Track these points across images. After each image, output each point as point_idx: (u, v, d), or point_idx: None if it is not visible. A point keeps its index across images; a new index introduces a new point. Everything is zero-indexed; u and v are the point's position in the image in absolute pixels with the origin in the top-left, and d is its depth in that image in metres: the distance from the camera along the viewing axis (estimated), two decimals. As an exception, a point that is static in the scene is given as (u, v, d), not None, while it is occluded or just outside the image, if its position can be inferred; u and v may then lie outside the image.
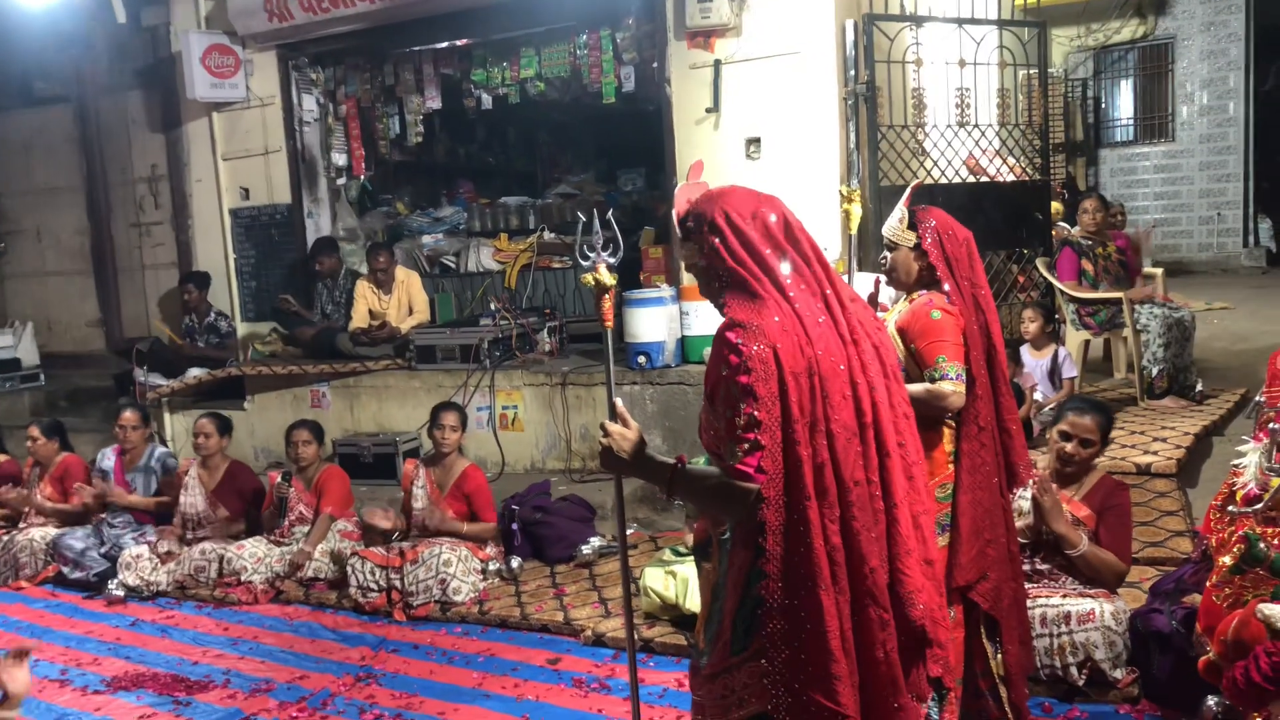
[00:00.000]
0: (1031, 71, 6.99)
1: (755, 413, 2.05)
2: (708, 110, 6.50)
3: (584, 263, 2.58)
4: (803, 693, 2.08)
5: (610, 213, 2.68)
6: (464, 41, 7.72)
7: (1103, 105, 13.92)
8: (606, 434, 2.25)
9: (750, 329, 2.09)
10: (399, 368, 7.25)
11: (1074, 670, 3.56)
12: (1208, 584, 3.12)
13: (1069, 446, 3.74)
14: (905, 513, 2.15)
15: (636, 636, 4.44)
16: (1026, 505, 3.66)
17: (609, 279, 2.53)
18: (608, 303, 2.54)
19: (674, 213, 2.29)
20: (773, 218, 2.19)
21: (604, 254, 2.56)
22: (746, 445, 2.07)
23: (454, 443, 5.43)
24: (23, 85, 9.56)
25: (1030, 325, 5.94)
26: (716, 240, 2.18)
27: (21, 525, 6.29)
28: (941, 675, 2.26)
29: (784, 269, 2.16)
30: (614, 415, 2.29)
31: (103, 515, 6.09)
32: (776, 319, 2.09)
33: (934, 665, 2.22)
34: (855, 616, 2.10)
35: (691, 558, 4.61)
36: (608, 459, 2.27)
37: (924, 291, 3.16)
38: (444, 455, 5.44)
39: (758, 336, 2.07)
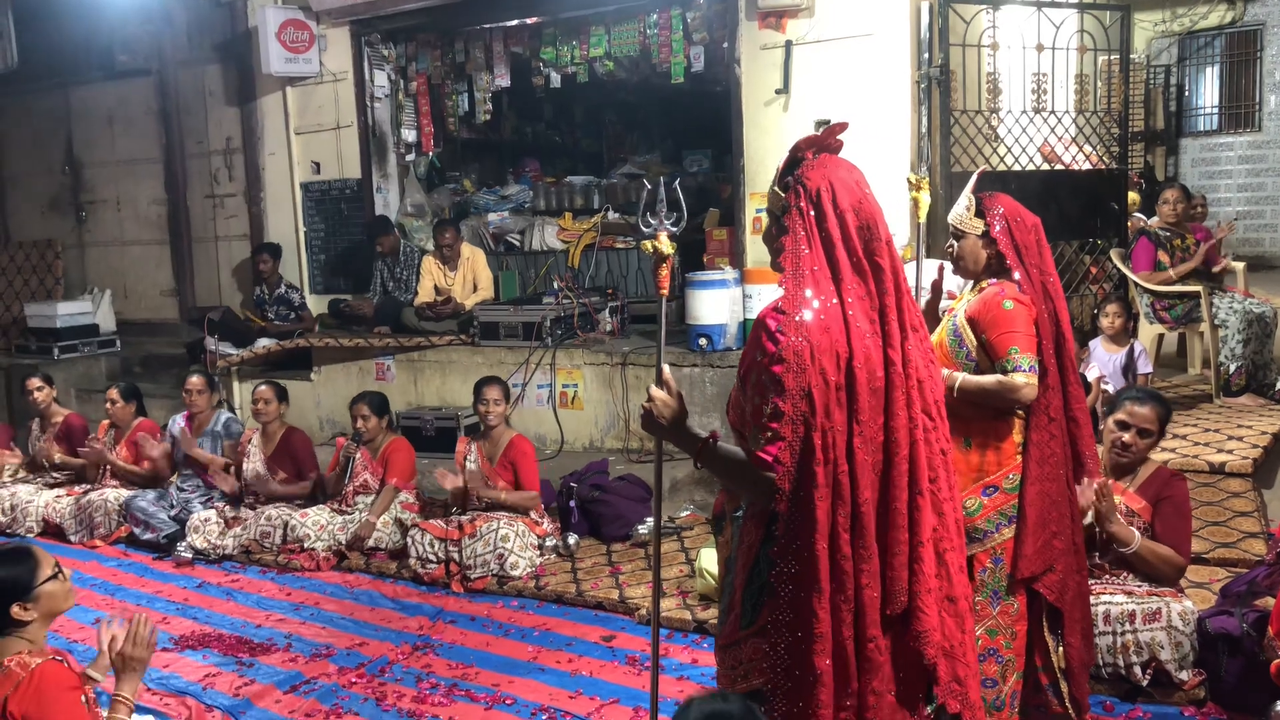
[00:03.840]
0: (1112, 57, 6.80)
1: (781, 404, 2.05)
2: (777, 91, 6.44)
3: (645, 230, 2.55)
4: (798, 683, 2.10)
5: (677, 181, 2.64)
6: (534, 19, 7.75)
7: (1186, 93, 13.49)
8: (651, 398, 2.28)
9: (792, 319, 2.07)
10: (462, 343, 7.33)
11: (1138, 669, 3.48)
12: (1282, 587, 3.05)
13: (1127, 436, 3.63)
14: (930, 551, 2.14)
15: (690, 617, 4.46)
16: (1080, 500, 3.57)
17: (668, 247, 2.50)
18: (665, 271, 2.52)
19: (786, 155, 2.25)
20: (864, 222, 2.14)
21: (666, 222, 2.53)
22: (769, 434, 2.08)
23: (498, 415, 5.47)
24: (106, 58, 9.77)
25: (1115, 320, 5.77)
26: (803, 206, 2.15)
27: (95, 485, 6.50)
28: (960, 711, 2.22)
29: (849, 275, 2.11)
30: (660, 381, 2.31)
31: (173, 480, 6.27)
32: (823, 317, 2.07)
33: (952, 702, 2.21)
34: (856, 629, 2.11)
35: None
36: (647, 422, 2.31)
37: (994, 280, 3.10)
38: (491, 428, 5.50)
39: (798, 329, 2.06)
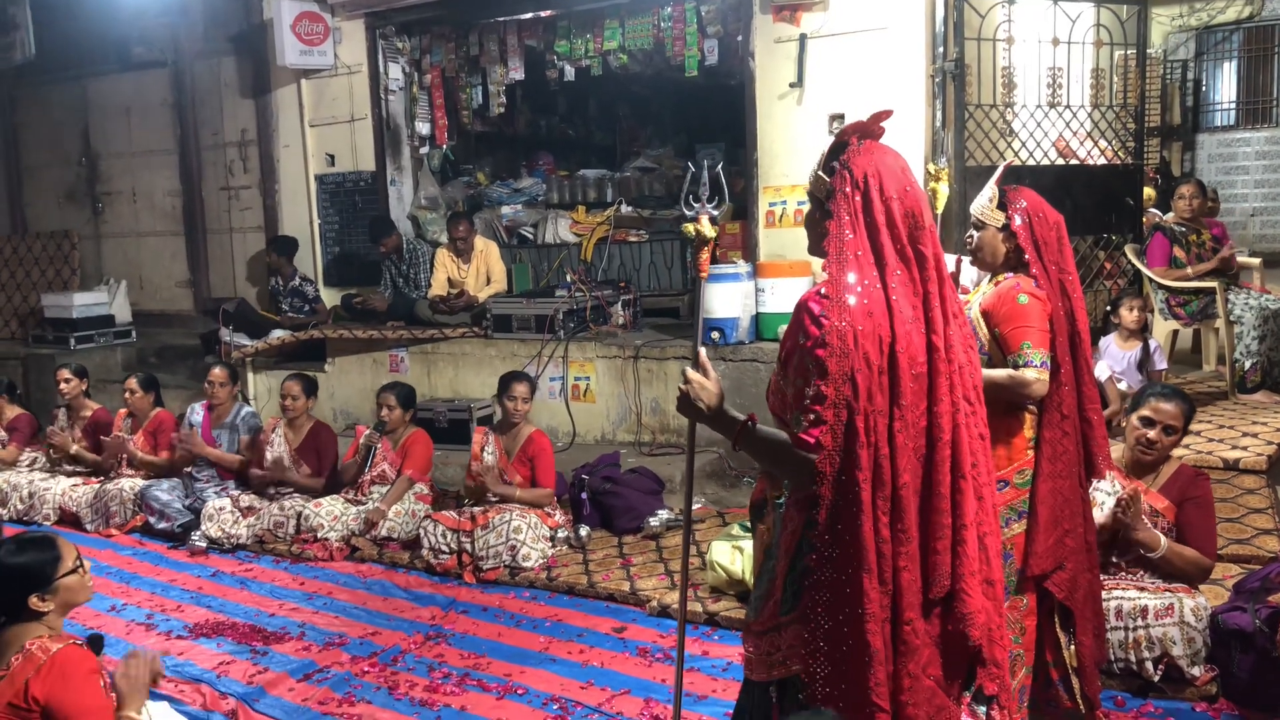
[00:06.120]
0: (1129, 51, 6.76)
1: (824, 387, 2.05)
2: (791, 85, 6.43)
3: (687, 213, 2.57)
4: (842, 664, 2.09)
5: (720, 165, 2.66)
6: (548, 12, 7.75)
7: (1203, 88, 13.40)
8: (687, 380, 2.26)
9: (836, 303, 2.07)
10: (475, 336, 7.35)
11: (1149, 665, 3.48)
12: (1295, 583, 3.04)
13: (1152, 433, 3.57)
14: (973, 534, 2.14)
15: (702, 610, 4.46)
16: (1100, 497, 3.55)
17: (710, 231, 2.53)
18: (706, 254, 2.54)
19: (830, 142, 2.25)
20: (909, 209, 2.15)
21: (708, 205, 2.56)
22: (811, 417, 2.08)
23: (524, 414, 5.48)
24: (123, 49, 9.82)
25: (1138, 313, 5.74)
26: (849, 191, 2.15)
27: (112, 475, 6.55)
28: (997, 693, 2.24)
29: (893, 260, 2.11)
30: (696, 364, 2.30)
31: (189, 469, 6.31)
32: (866, 301, 2.08)
33: (990, 684, 2.21)
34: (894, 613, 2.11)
35: (760, 534, 4.63)
36: (684, 405, 2.28)
37: (1010, 274, 3.09)
38: (513, 424, 5.50)
39: (841, 312, 2.06)
